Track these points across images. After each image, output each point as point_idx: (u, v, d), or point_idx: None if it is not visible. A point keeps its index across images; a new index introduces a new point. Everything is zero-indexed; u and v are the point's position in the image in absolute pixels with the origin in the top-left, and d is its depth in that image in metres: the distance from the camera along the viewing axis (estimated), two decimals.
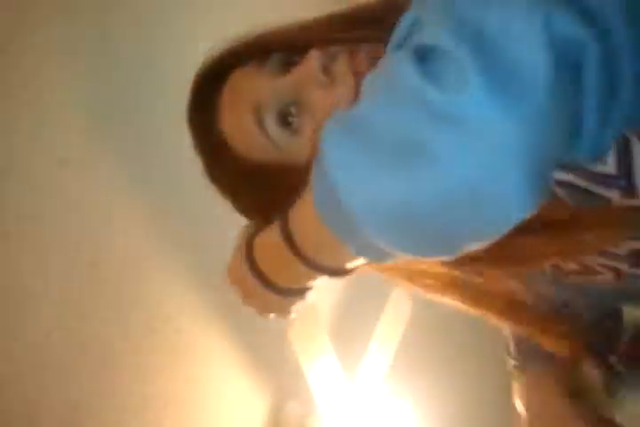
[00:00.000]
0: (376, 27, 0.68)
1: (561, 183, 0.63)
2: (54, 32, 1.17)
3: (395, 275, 0.75)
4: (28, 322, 1.02)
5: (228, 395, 1.42)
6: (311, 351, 1.45)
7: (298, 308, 0.64)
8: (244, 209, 0.73)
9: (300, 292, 0.62)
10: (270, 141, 0.69)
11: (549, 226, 0.64)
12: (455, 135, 0.44)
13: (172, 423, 1.25)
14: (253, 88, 0.71)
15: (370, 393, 1.61)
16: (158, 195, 1.34)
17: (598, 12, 0.47)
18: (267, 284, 0.61)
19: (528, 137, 0.44)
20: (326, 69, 0.67)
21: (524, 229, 0.48)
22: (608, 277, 0.75)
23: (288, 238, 0.57)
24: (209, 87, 0.75)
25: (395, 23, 0.53)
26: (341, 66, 0.67)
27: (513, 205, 0.45)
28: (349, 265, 0.58)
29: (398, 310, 1.64)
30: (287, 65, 0.70)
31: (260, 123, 0.69)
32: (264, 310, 0.65)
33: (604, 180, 0.62)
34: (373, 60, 0.66)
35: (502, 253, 0.62)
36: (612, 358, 0.86)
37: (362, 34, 0.69)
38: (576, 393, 0.85)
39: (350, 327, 1.71)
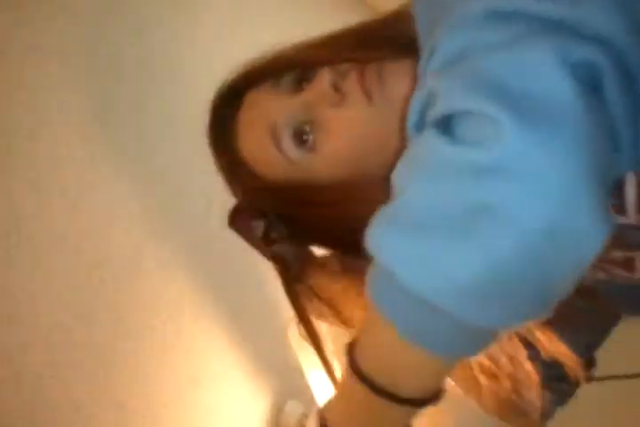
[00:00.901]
0: (384, 44, 0.70)
1: None
2: (54, 32, 1.17)
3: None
4: (27, 322, 1.02)
5: (228, 395, 1.41)
6: (311, 351, 1.45)
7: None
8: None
9: None
10: (288, 160, 0.72)
11: None
12: (514, 186, 0.43)
13: (172, 423, 1.25)
14: (269, 109, 0.73)
15: None
16: (158, 195, 1.34)
17: (602, 29, 0.46)
18: None
19: (577, 164, 0.43)
20: (337, 87, 0.70)
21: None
22: None
23: (377, 389, 0.55)
24: (226, 108, 0.79)
25: (401, 41, 0.54)
26: (351, 83, 0.70)
27: (591, 233, 0.44)
28: (438, 383, 0.57)
29: None
30: (300, 82, 0.73)
31: (278, 144, 0.72)
32: None
33: None
34: (382, 77, 0.69)
35: None
36: None
37: (370, 51, 0.71)
38: None
39: None
